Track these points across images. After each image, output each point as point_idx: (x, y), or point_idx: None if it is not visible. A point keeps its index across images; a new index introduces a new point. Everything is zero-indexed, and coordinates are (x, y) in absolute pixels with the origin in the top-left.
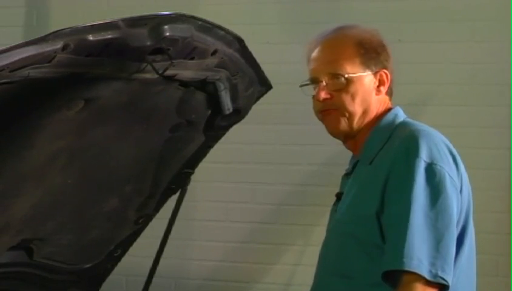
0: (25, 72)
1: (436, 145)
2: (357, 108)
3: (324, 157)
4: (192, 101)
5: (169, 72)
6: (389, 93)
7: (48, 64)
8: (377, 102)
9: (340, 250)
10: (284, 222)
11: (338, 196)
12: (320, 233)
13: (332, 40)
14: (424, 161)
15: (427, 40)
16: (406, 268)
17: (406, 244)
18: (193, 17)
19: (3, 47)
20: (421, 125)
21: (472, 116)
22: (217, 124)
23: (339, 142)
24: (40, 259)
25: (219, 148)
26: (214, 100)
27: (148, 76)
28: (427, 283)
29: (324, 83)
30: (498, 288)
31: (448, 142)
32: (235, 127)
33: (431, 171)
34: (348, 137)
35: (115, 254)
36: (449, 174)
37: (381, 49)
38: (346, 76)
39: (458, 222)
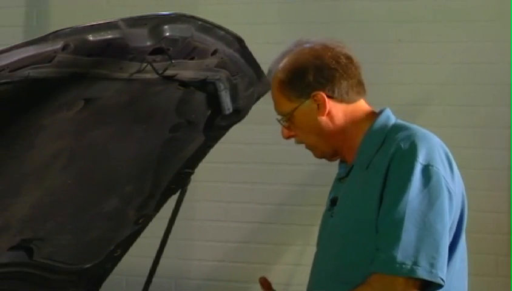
0: (25, 72)
1: (433, 147)
2: (312, 137)
3: None
4: (192, 101)
5: (169, 72)
6: (354, 94)
7: (48, 64)
8: (336, 118)
9: (339, 255)
10: (284, 222)
11: (333, 201)
12: None
13: (270, 81)
14: (421, 163)
15: (427, 40)
16: (400, 275)
17: (400, 247)
18: (193, 17)
19: (3, 47)
20: (416, 128)
21: (472, 116)
22: (217, 124)
23: None
24: (40, 259)
25: (219, 148)
26: (214, 100)
27: (148, 76)
28: (420, 284)
29: (281, 122)
30: (498, 288)
31: (444, 145)
32: (235, 127)
33: (428, 172)
34: (336, 155)
35: (115, 254)
36: (444, 177)
37: (306, 71)
38: (287, 114)
39: (451, 225)
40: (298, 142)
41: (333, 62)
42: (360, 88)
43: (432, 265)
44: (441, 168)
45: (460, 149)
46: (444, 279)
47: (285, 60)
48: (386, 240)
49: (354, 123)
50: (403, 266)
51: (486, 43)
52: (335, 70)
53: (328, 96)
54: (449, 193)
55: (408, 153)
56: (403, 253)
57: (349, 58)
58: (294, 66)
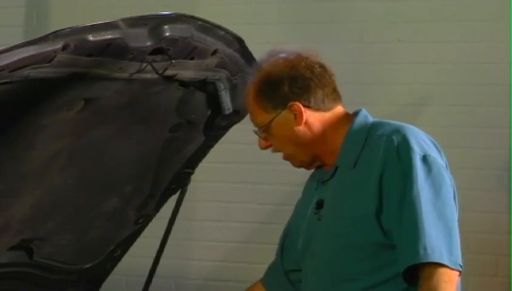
0: (25, 72)
1: (421, 137)
2: (290, 147)
3: None
4: (192, 101)
5: (169, 72)
6: (329, 102)
7: (48, 64)
8: (314, 127)
9: (338, 255)
10: (284, 222)
11: (319, 204)
12: None
13: (246, 93)
14: (419, 154)
15: (427, 40)
16: (432, 260)
17: (423, 237)
18: (193, 17)
19: (3, 47)
20: (397, 123)
21: (472, 116)
22: (217, 124)
23: None
24: (40, 259)
25: (219, 148)
26: (214, 100)
27: (148, 76)
28: (450, 271)
29: (258, 133)
30: (498, 288)
31: (425, 133)
32: (235, 127)
33: (427, 162)
34: (314, 163)
35: (115, 254)
36: (441, 165)
37: (281, 81)
38: (264, 126)
39: None
40: (275, 151)
41: (308, 71)
42: (335, 95)
43: (450, 253)
44: (437, 156)
45: (459, 149)
46: (462, 264)
47: (260, 72)
48: (407, 233)
49: (333, 128)
50: (434, 254)
51: (486, 43)
52: (310, 80)
53: (304, 106)
54: (449, 179)
55: (403, 146)
56: (428, 243)
57: (322, 66)
58: (269, 78)
